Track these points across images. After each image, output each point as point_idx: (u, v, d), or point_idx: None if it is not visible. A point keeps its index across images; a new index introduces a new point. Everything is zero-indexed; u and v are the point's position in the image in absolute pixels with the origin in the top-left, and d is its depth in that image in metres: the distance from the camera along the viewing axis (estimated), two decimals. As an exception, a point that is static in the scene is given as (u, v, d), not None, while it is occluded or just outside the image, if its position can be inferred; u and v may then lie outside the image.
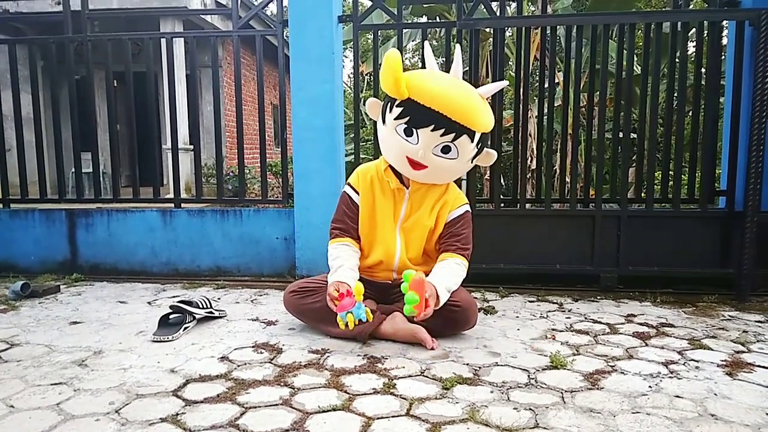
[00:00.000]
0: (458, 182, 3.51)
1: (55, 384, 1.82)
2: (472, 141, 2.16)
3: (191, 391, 1.75)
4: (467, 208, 2.37)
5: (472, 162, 2.29)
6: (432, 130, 2.10)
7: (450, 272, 2.22)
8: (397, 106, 2.14)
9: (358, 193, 2.37)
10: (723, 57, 3.25)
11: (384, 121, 2.24)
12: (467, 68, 3.20)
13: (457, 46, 2.47)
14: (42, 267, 3.55)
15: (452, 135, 2.11)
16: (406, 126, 2.14)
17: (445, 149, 2.16)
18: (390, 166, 2.33)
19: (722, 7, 3.09)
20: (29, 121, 3.67)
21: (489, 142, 2.81)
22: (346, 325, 2.08)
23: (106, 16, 7.10)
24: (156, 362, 2.01)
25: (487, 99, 2.29)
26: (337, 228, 2.39)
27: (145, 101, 3.58)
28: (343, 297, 2.09)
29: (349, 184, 2.41)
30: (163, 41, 3.62)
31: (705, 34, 3.06)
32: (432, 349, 2.11)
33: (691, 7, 3.24)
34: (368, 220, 2.36)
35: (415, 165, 2.19)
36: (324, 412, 1.60)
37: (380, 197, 2.34)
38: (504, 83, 2.51)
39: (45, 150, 3.77)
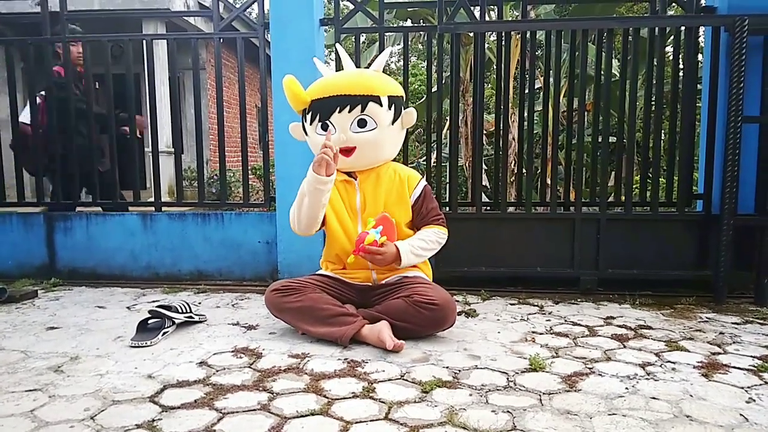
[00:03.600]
0: (440, 185, 3.54)
1: (30, 390, 1.79)
2: (382, 105, 2.29)
3: (168, 397, 1.74)
4: (424, 182, 2.44)
5: (399, 127, 2.40)
6: (339, 112, 2.28)
7: (421, 236, 2.35)
8: (306, 114, 2.37)
9: None
10: (700, 65, 3.30)
11: (307, 134, 2.42)
12: (448, 72, 3.21)
13: (338, 45, 2.69)
14: (19, 271, 3.49)
15: (358, 107, 2.27)
16: (320, 123, 2.33)
17: (361, 123, 2.30)
18: None
19: (698, 13, 3.14)
20: (7, 124, 3.62)
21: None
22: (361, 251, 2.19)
23: (87, 17, 7.02)
24: (133, 368, 1.99)
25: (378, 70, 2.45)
26: None
27: (125, 104, 3.55)
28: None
29: None
30: (144, 43, 3.59)
31: (682, 39, 3.11)
32: (394, 348, 2.08)
33: (670, 12, 3.27)
34: (332, 220, 2.38)
35: (345, 152, 2.31)
36: (302, 416, 1.60)
37: (334, 196, 2.37)
38: (389, 50, 2.72)
39: (23, 153, 3.71)
